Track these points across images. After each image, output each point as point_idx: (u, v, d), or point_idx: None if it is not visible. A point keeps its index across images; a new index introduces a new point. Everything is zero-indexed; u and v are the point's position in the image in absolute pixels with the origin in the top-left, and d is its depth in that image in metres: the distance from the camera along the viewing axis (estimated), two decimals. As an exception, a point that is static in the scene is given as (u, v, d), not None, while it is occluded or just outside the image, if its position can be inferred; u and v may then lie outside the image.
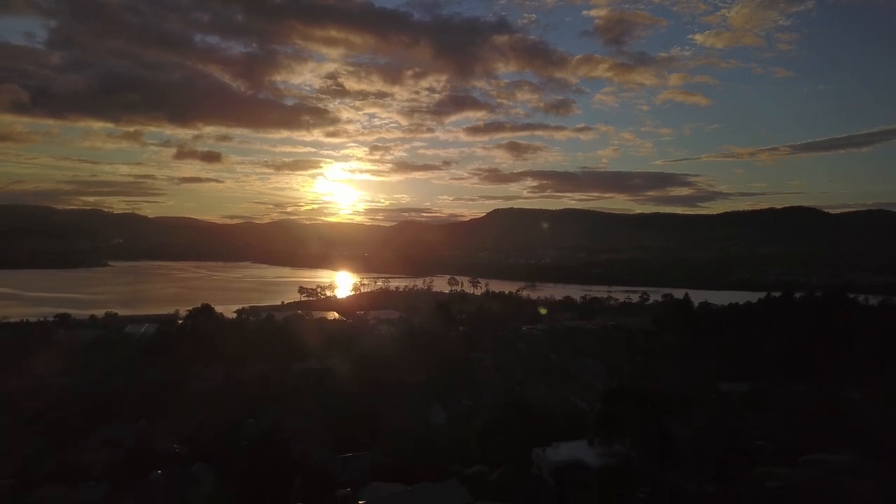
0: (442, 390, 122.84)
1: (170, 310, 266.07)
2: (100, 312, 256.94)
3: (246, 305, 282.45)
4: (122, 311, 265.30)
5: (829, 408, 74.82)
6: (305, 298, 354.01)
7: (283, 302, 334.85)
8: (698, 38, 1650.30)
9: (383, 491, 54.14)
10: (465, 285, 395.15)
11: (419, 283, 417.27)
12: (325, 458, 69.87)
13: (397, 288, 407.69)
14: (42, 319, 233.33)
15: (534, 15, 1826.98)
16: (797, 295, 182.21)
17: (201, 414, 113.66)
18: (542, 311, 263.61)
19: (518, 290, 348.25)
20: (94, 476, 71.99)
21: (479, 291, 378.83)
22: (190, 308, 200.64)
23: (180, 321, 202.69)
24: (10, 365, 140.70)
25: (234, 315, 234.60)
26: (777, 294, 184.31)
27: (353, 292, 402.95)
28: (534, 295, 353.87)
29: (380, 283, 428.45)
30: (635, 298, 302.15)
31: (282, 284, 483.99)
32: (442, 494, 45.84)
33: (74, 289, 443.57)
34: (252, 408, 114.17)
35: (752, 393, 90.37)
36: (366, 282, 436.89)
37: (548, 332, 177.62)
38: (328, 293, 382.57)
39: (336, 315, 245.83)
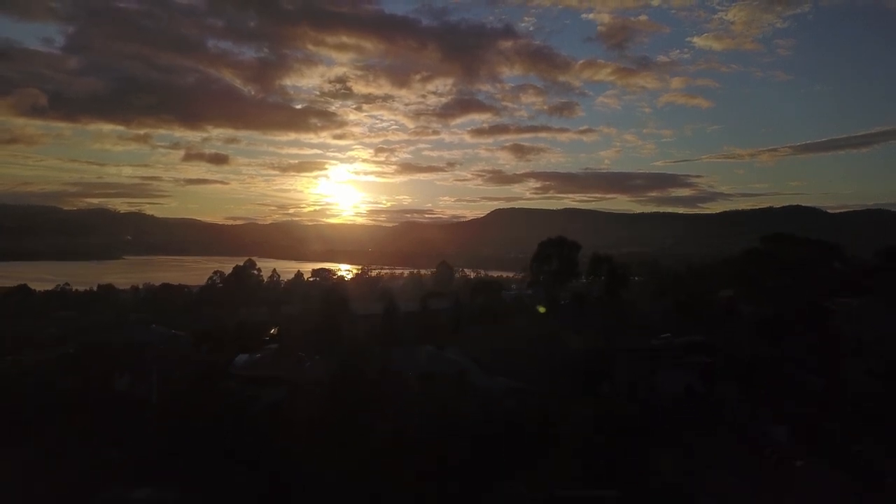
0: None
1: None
2: (138, 285, 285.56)
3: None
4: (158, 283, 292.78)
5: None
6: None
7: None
8: (699, 42, 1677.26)
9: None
10: (467, 273, 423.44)
11: (422, 271, 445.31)
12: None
13: (402, 274, 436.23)
14: (89, 289, 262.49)
15: (539, 21, 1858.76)
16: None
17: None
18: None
19: (514, 275, 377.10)
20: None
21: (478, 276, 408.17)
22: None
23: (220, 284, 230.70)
24: (88, 308, 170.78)
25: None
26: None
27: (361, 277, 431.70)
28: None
29: (385, 272, 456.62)
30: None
31: (292, 273, 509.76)
32: (440, 303, 74.98)
33: (99, 276, 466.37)
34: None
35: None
36: (371, 270, 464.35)
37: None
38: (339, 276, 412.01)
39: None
